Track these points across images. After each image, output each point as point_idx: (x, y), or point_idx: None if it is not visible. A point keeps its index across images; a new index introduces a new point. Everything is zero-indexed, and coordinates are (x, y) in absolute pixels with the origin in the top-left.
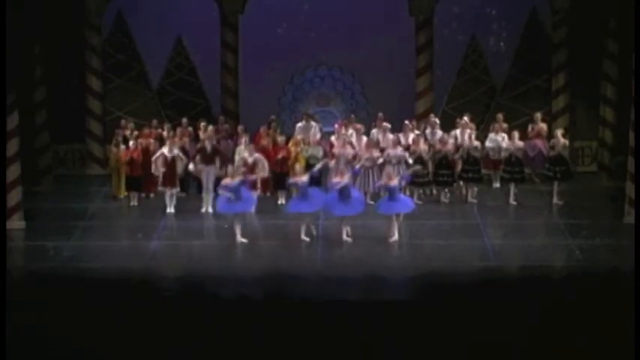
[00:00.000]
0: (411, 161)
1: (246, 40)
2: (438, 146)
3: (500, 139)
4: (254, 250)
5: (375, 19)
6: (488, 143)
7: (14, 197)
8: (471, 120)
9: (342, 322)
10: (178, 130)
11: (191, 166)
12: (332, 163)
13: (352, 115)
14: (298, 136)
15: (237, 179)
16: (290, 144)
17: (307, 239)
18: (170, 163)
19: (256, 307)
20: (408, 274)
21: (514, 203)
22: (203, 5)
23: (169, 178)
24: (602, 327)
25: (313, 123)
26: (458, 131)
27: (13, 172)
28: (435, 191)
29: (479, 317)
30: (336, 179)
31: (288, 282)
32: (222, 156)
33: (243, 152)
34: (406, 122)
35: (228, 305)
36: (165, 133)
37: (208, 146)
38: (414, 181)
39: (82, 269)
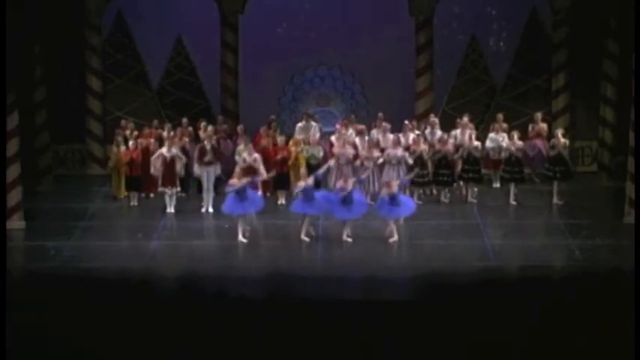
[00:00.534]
0: (411, 161)
1: (246, 40)
2: (438, 146)
3: (501, 139)
4: (254, 250)
5: (375, 19)
6: (488, 143)
7: (14, 197)
8: (470, 120)
9: (342, 322)
10: (178, 130)
11: (196, 169)
12: (332, 162)
13: (352, 115)
14: (298, 136)
15: (244, 180)
16: (290, 144)
17: (307, 239)
18: (169, 163)
19: (256, 307)
20: (408, 274)
21: (514, 203)
22: (203, 5)
23: (169, 178)
24: (602, 327)
25: (313, 123)
26: (458, 131)
27: (13, 172)
28: (435, 191)
29: (479, 317)
30: (340, 183)
31: (288, 282)
32: (221, 156)
33: (243, 152)
34: (406, 122)
35: (228, 305)
36: (165, 133)
37: (208, 146)
38: (414, 181)
39: (82, 269)
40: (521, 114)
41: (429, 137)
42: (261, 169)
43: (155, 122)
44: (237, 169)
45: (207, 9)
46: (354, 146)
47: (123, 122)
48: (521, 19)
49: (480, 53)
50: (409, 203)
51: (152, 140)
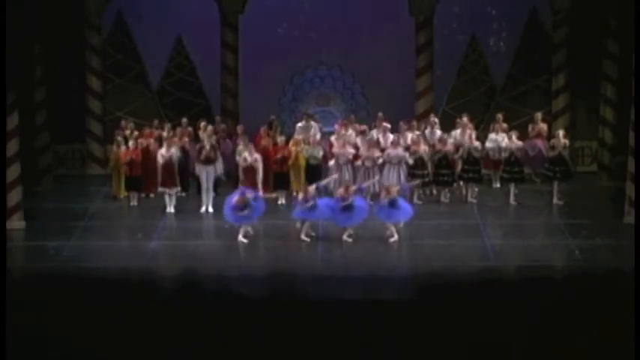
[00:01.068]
0: (411, 161)
1: (246, 40)
2: (438, 146)
3: (501, 139)
4: (254, 250)
5: (375, 19)
6: (488, 143)
7: (14, 197)
8: (470, 120)
9: (342, 322)
10: (178, 130)
11: (197, 167)
12: (332, 162)
13: (352, 115)
14: (298, 136)
15: (250, 195)
16: (290, 144)
17: (307, 239)
18: (169, 163)
19: (256, 307)
20: (408, 274)
21: (514, 203)
22: (203, 5)
23: (169, 178)
24: (602, 327)
25: (313, 123)
26: (458, 131)
27: (13, 172)
28: (435, 191)
29: (479, 317)
30: (340, 191)
31: (288, 282)
32: (221, 156)
33: (243, 152)
34: (401, 123)
35: (228, 305)
36: (165, 133)
37: (207, 145)
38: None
39: (82, 269)
40: (521, 114)
41: (429, 137)
42: (261, 169)
43: (155, 122)
44: (240, 174)
45: (207, 9)
46: (355, 146)
47: (123, 122)
48: (521, 19)
49: (480, 53)
50: (408, 208)
51: (152, 140)
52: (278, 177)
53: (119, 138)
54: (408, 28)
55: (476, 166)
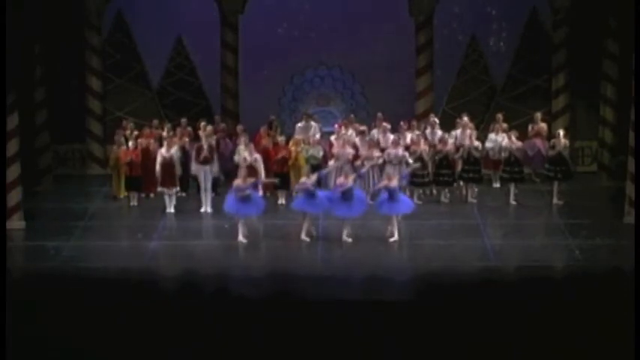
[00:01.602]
0: (411, 161)
1: (246, 40)
2: (439, 146)
3: (501, 139)
4: (254, 250)
5: (375, 19)
6: (488, 143)
7: (14, 197)
8: (470, 120)
9: (342, 322)
10: (178, 130)
11: (193, 168)
12: (332, 162)
13: (352, 115)
14: (298, 136)
15: (250, 182)
16: (290, 144)
17: (307, 239)
18: (169, 163)
19: (256, 307)
20: (408, 274)
21: (514, 203)
22: (203, 5)
23: (169, 178)
24: (602, 327)
25: (313, 123)
26: (458, 131)
27: (13, 172)
28: (435, 191)
29: (479, 317)
30: (340, 180)
31: (288, 282)
32: (220, 156)
33: (244, 152)
34: (401, 123)
35: (228, 305)
36: (165, 134)
37: (205, 145)
38: (414, 181)
39: (82, 269)
40: (521, 114)
41: (429, 137)
42: (262, 169)
43: (155, 122)
44: (241, 170)
45: (207, 9)
46: (355, 146)
47: (124, 123)
48: (521, 19)
49: (480, 53)
50: (408, 201)
51: (152, 140)
52: (278, 177)
53: (119, 138)
54: (408, 28)
55: (476, 166)
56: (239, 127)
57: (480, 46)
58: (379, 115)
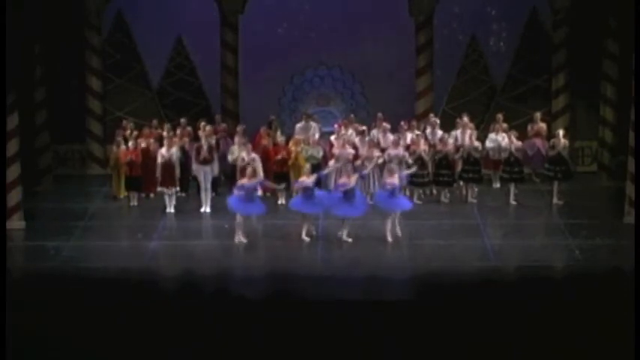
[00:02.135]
0: (411, 161)
1: (246, 40)
2: (439, 146)
3: (501, 139)
4: (254, 250)
5: (375, 19)
6: (488, 143)
7: (14, 197)
8: (470, 120)
9: (342, 322)
10: (178, 130)
11: (194, 167)
12: (331, 162)
13: (352, 115)
14: (298, 136)
15: (254, 181)
16: (290, 144)
17: (307, 239)
18: (168, 163)
19: (256, 307)
20: (408, 274)
21: (514, 203)
22: (203, 5)
23: (169, 178)
24: (602, 327)
25: (313, 123)
26: (458, 131)
27: (13, 172)
28: (435, 191)
29: (479, 317)
30: (342, 180)
31: (288, 282)
32: (220, 155)
33: (239, 152)
34: (402, 123)
35: (228, 305)
36: (165, 133)
37: (205, 145)
38: (414, 181)
39: (82, 269)
40: (521, 114)
41: (429, 137)
42: (260, 168)
43: (154, 122)
44: (247, 169)
45: (207, 9)
46: (354, 146)
47: (124, 123)
48: (521, 19)
49: (480, 53)
50: (407, 201)
51: (152, 140)
52: (278, 177)
53: (119, 138)
54: (408, 28)
55: (476, 166)
56: (239, 127)
57: (480, 46)
58: (379, 115)
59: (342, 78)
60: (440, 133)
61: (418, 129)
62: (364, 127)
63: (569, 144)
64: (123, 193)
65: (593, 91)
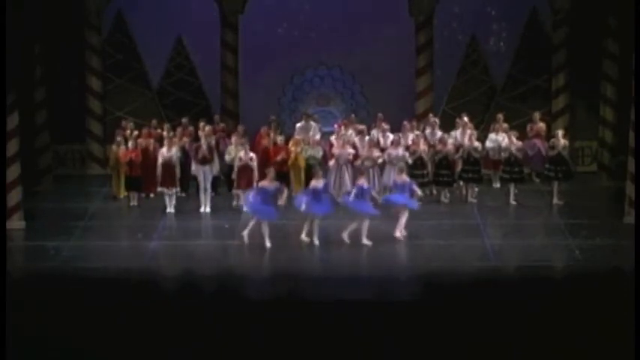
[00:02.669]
0: (410, 161)
1: (246, 40)
2: (439, 146)
3: (501, 139)
4: (254, 250)
5: (375, 19)
6: (488, 143)
7: (14, 197)
8: (470, 120)
9: (342, 322)
10: (178, 130)
11: (193, 167)
12: (332, 162)
13: (353, 115)
14: (298, 136)
15: (275, 185)
16: (290, 144)
17: (307, 239)
18: (169, 163)
19: (256, 307)
20: (408, 274)
21: (514, 203)
22: (203, 5)
23: (169, 178)
24: (602, 327)
25: (313, 123)
26: (458, 131)
27: (13, 172)
28: (435, 191)
29: (479, 317)
30: (361, 181)
31: (288, 282)
32: (220, 155)
33: (237, 152)
34: (405, 122)
35: (228, 305)
36: (165, 133)
37: (204, 145)
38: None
39: (82, 269)
40: (521, 114)
41: (429, 137)
42: (256, 168)
43: (154, 122)
44: (271, 173)
45: (207, 9)
46: (354, 146)
47: (123, 123)
48: (521, 19)
49: (480, 53)
50: (411, 199)
51: (152, 140)
52: (278, 177)
53: (119, 138)
54: (408, 28)
55: (476, 166)
56: (239, 127)
57: (479, 46)
58: (379, 115)
59: (342, 78)
60: (440, 133)
61: (418, 129)
62: (362, 127)
63: (569, 144)
64: (123, 193)
65: (593, 91)
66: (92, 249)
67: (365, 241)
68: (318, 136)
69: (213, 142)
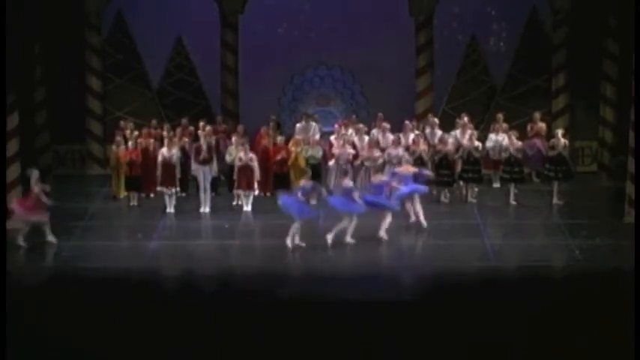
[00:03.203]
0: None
1: (246, 40)
2: (439, 146)
3: (501, 139)
4: (253, 250)
5: (375, 19)
6: (488, 143)
7: (14, 197)
8: (470, 120)
9: (342, 322)
10: (178, 130)
11: (193, 167)
12: (332, 162)
13: (354, 116)
14: (298, 136)
15: (310, 184)
16: (290, 144)
17: (303, 244)
18: (169, 163)
19: (256, 307)
20: (408, 274)
21: (514, 203)
22: (203, 5)
23: (169, 178)
24: (602, 327)
25: (313, 123)
26: (458, 131)
27: (13, 172)
28: (435, 191)
29: (479, 317)
30: (376, 178)
31: (288, 282)
32: (220, 155)
33: (237, 152)
34: (406, 122)
35: (228, 305)
36: (165, 133)
37: (204, 145)
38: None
39: (82, 269)
40: (521, 114)
41: (429, 137)
42: (257, 168)
43: (154, 122)
44: (307, 171)
45: (207, 9)
46: (354, 146)
47: (122, 123)
48: (521, 19)
49: (480, 53)
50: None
51: (152, 140)
52: (278, 177)
53: (119, 138)
54: (408, 28)
55: (476, 166)
56: (240, 128)
57: (479, 46)
58: (379, 115)
59: (342, 78)
60: (439, 133)
61: (418, 129)
62: (361, 126)
63: (569, 144)
64: (123, 193)
65: (593, 91)
66: (92, 249)
67: (349, 239)
68: (318, 136)
69: (213, 143)
